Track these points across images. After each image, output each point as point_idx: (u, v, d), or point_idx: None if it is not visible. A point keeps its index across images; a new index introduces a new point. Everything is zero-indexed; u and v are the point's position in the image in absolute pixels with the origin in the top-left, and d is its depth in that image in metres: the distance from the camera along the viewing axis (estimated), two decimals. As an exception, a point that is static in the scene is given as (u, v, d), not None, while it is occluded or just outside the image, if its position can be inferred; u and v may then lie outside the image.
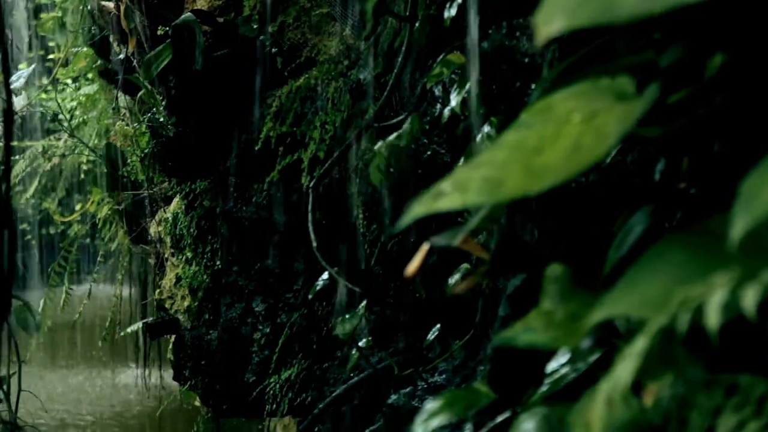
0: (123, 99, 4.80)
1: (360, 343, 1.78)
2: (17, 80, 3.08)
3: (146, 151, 3.19)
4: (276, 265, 2.87)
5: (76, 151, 5.68)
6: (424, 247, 0.95)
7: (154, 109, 3.18)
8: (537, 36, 0.62)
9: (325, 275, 1.82)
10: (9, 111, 0.97)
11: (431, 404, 1.07)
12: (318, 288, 1.81)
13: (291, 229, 2.83)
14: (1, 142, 1.01)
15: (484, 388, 1.07)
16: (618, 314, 0.69)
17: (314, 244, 1.71)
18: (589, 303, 0.86)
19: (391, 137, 1.60)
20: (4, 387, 0.88)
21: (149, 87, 3.89)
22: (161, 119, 3.06)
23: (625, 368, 0.64)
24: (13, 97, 3.98)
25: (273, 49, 2.97)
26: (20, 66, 4.78)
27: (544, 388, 1.04)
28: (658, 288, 0.66)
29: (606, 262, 0.88)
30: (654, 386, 0.71)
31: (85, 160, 5.84)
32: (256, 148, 2.45)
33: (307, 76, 2.26)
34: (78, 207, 5.62)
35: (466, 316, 1.95)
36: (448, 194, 0.74)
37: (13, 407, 3.18)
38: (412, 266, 0.94)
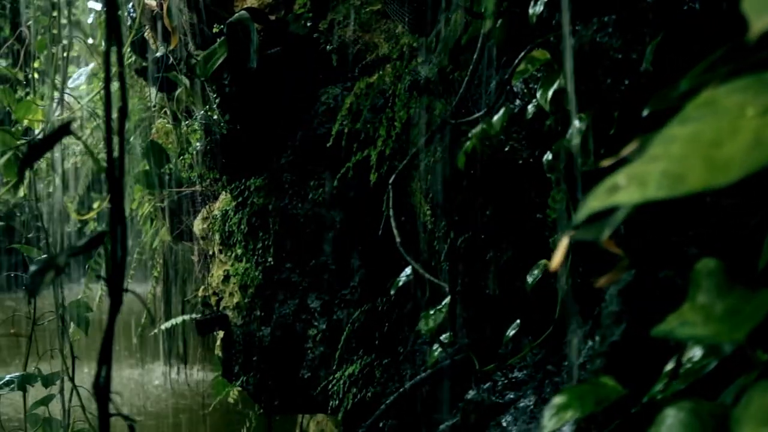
0: (156, 96, 4.82)
1: (441, 338, 1.78)
2: (78, 78, 3.11)
3: (198, 148, 3.21)
4: (331, 261, 2.87)
5: (101, 147, 5.72)
6: (564, 242, 0.95)
7: (207, 106, 3.19)
8: (751, 29, 0.62)
9: (408, 270, 1.82)
10: (124, 107, 0.98)
11: (558, 399, 1.07)
12: (401, 283, 1.82)
13: (347, 226, 2.84)
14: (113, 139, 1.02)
15: (610, 382, 1.07)
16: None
17: (398, 240, 1.72)
18: (749, 298, 0.86)
19: (479, 127, 1.61)
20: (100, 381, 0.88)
21: (188, 85, 3.91)
22: (215, 116, 3.07)
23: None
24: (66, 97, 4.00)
25: (327, 47, 2.98)
26: (35, 64, 4.80)
27: (674, 382, 1.04)
28: None
29: (762, 257, 0.88)
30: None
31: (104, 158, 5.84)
32: (328, 145, 2.45)
33: (381, 73, 2.27)
34: (95, 205, 5.64)
35: (539, 312, 1.95)
36: (625, 188, 0.74)
37: (67, 404, 3.22)
38: (556, 260, 0.94)
